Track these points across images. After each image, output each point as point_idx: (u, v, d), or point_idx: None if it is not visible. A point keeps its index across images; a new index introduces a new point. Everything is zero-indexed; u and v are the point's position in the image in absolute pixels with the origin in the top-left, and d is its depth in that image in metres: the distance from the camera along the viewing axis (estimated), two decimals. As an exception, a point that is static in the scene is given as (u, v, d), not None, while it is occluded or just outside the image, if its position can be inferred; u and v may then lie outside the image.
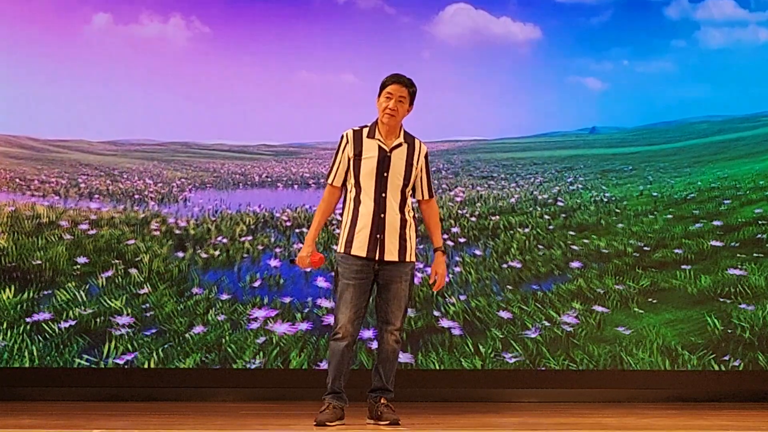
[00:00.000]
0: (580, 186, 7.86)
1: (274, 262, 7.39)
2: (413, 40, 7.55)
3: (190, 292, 7.26)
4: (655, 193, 7.72)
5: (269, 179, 7.86)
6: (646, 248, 7.47)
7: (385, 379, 5.19)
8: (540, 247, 7.51)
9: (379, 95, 5.20)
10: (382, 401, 5.20)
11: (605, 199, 7.73)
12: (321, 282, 7.28)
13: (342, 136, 5.23)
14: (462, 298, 7.26)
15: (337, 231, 5.35)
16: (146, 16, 7.49)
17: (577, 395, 7.03)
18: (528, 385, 7.05)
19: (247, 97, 7.48)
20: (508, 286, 7.33)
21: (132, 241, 7.38)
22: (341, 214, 5.26)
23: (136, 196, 7.63)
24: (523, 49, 7.58)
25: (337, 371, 5.11)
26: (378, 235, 5.09)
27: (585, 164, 7.95)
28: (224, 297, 7.24)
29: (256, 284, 7.27)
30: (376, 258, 5.10)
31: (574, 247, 7.49)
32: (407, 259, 5.17)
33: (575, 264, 7.40)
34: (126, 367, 6.97)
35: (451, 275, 7.33)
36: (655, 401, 7.01)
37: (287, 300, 7.21)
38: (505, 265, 7.42)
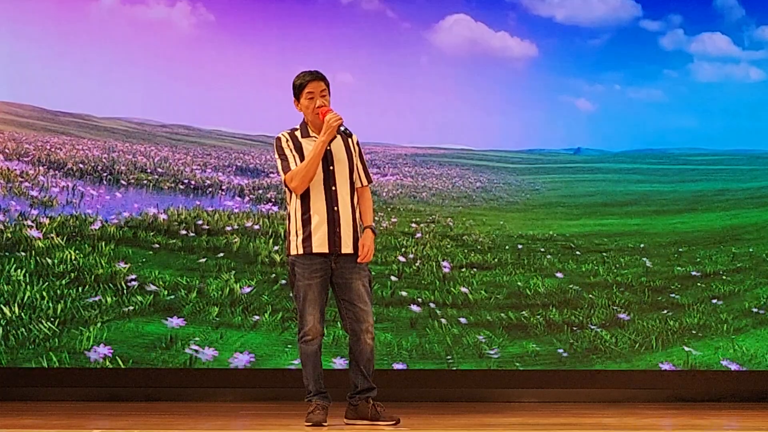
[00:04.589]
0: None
1: None
2: (412, 45, 7.61)
3: None
4: None
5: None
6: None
7: (370, 378, 5.17)
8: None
9: (298, 97, 5.11)
10: (374, 403, 5.15)
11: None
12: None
13: (279, 137, 5.14)
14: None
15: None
16: (153, -1, 7.61)
17: (577, 395, 7.03)
18: (528, 385, 7.05)
19: (243, 88, 7.50)
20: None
21: None
22: (288, 217, 5.14)
23: None
24: (518, 65, 7.68)
25: (315, 372, 5.10)
26: (336, 229, 5.09)
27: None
28: None
29: None
30: (336, 252, 5.09)
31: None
32: None
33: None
34: (126, 367, 6.97)
35: None
36: (655, 401, 7.01)
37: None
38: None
